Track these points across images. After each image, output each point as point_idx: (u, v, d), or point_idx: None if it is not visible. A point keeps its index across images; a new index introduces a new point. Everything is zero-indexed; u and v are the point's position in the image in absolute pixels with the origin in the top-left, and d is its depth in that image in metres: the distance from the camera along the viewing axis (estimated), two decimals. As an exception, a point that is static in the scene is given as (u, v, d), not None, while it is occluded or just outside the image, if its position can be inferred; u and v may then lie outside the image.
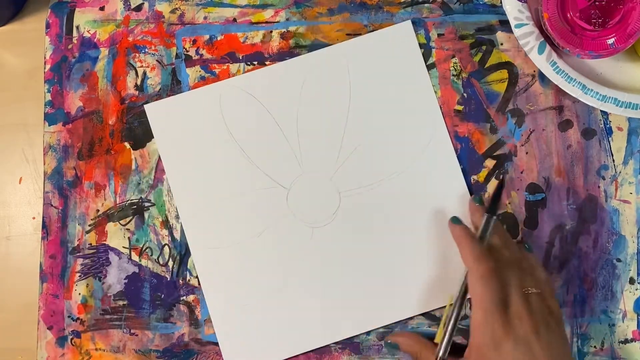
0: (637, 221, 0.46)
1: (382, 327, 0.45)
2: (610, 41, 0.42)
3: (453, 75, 0.47)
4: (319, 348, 0.45)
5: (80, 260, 0.47)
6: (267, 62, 0.48)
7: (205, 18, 0.48)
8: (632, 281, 0.45)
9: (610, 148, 0.46)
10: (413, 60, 0.47)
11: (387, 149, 0.47)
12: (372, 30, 0.48)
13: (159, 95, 0.48)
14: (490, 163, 0.47)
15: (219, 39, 0.48)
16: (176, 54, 0.48)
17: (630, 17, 0.42)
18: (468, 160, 0.47)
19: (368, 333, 0.46)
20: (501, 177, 0.44)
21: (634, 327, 0.45)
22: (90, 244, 0.47)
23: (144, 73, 0.48)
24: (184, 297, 0.46)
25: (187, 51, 0.48)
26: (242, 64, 0.48)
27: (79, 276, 0.47)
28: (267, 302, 0.46)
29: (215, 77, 0.48)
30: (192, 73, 0.48)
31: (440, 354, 0.40)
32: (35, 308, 0.47)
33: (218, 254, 0.46)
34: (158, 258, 0.47)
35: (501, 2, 0.46)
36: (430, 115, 0.47)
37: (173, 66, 0.48)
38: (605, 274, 0.46)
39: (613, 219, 0.46)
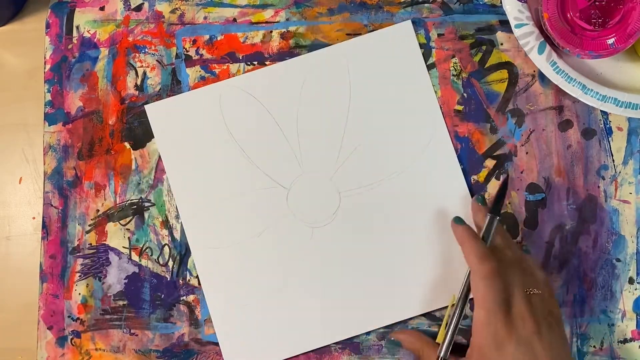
0: (636, 221, 0.46)
1: (382, 327, 0.45)
2: (610, 41, 0.42)
3: (453, 75, 0.47)
4: (319, 348, 0.46)
5: (80, 260, 0.47)
6: (267, 62, 0.48)
7: (205, 18, 0.48)
8: (631, 281, 0.45)
9: (610, 148, 0.46)
10: (413, 60, 0.47)
11: (387, 149, 0.47)
12: (372, 30, 0.48)
13: (159, 95, 0.48)
14: (490, 163, 0.47)
15: (219, 39, 0.48)
16: (176, 54, 0.48)
17: (630, 17, 0.42)
18: (468, 160, 0.47)
19: (368, 333, 0.46)
20: (505, 178, 0.44)
21: (633, 326, 0.45)
22: (90, 244, 0.47)
23: (144, 73, 0.48)
24: (184, 297, 0.46)
25: (187, 51, 0.48)
26: (242, 64, 0.48)
27: (79, 276, 0.47)
28: (267, 302, 0.46)
29: (215, 77, 0.48)
30: (192, 73, 0.48)
31: (442, 354, 0.40)
32: (35, 308, 0.47)
33: (218, 254, 0.46)
34: (158, 258, 0.47)
35: (501, 2, 0.46)
36: (430, 115, 0.47)
37: (173, 66, 0.48)
38: (605, 273, 0.46)
39: (613, 219, 0.46)
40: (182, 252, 0.47)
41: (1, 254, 0.48)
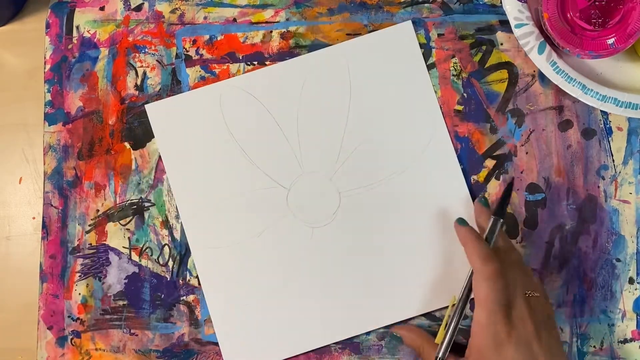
0: (636, 221, 0.46)
1: (382, 327, 0.45)
2: (610, 41, 0.42)
3: (453, 75, 0.47)
4: (319, 348, 0.46)
5: (80, 260, 0.47)
6: (267, 62, 0.48)
7: (205, 18, 0.48)
8: (631, 281, 0.45)
9: (610, 148, 0.46)
10: (413, 60, 0.47)
11: (387, 149, 0.47)
12: (372, 30, 0.48)
13: (159, 95, 0.48)
14: (490, 163, 0.47)
15: (219, 39, 0.48)
16: (176, 54, 0.48)
17: (630, 17, 0.42)
18: (468, 160, 0.47)
19: (368, 333, 0.46)
20: (510, 181, 0.44)
21: (633, 327, 0.45)
22: (90, 244, 0.47)
23: (144, 73, 0.48)
24: (184, 297, 0.46)
25: (187, 51, 0.48)
26: (242, 64, 0.48)
27: (79, 276, 0.47)
28: (267, 302, 0.46)
29: (215, 77, 0.48)
30: (192, 73, 0.48)
31: (440, 354, 0.40)
32: (35, 308, 0.47)
33: (218, 254, 0.46)
34: (158, 258, 0.47)
35: (501, 2, 0.46)
36: (430, 115, 0.47)
37: (173, 66, 0.48)
38: (605, 273, 0.46)
39: (613, 219, 0.46)
40: (182, 252, 0.47)
41: (1, 254, 0.48)
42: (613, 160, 0.46)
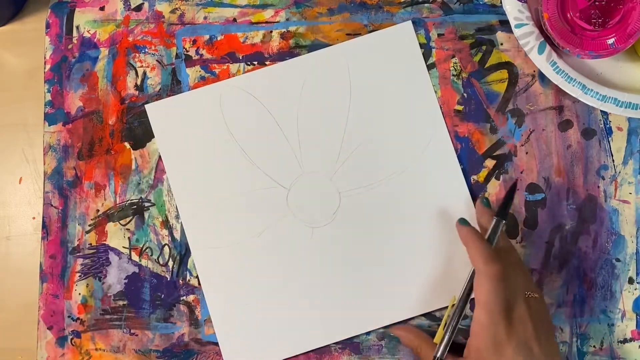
0: (636, 221, 0.46)
1: (382, 327, 0.45)
2: (610, 41, 0.42)
3: (453, 75, 0.47)
4: (319, 348, 0.46)
5: (80, 260, 0.47)
6: (267, 62, 0.48)
7: (205, 18, 0.48)
8: (631, 281, 0.45)
9: (610, 148, 0.46)
10: (413, 60, 0.47)
11: (387, 149, 0.47)
12: (372, 30, 0.48)
13: (159, 95, 0.48)
14: (490, 163, 0.47)
15: (219, 39, 0.48)
16: (176, 54, 0.48)
17: (630, 17, 0.42)
18: (468, 160, 0.47)
19: (368, 333, 0.46)
20: (513, 182, 0.44)
21: (633, 326, 0.45)
22: (90, 244, 0.47)
23: (144, 73, 0.48)
24: (184, 297, 0.46)
25: (187, 51, 0.48)
26: (242, 64, 0.48)
27: (79, 276, 0.47)
28: (267, 302, 0.46)
29: (215, 77, 0.48)
30: (192, 73, 0.48)
31: (439, 354, 0.40)
32: (35, 308, 0.47)
33: (218, 254, 0.46)
34: (158, 258, 0.47)
35: (501, 2, 0.46)
36: (430, 115, 0.47)
37: (173, 66, 0.48)
38: (605, 273, 0.46)
39: (612, 219, 0.46)
40: (182, 252, 0.47)
41: (1, 254, 0.48)
42: (613, 160, 0.46)
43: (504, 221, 0.42)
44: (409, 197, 0.46)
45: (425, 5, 0.48)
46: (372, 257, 0.46)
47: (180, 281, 0.47)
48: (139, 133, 0.48)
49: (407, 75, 0.47)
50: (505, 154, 0.47)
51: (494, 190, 0.46)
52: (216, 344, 0.46)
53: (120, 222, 0.47)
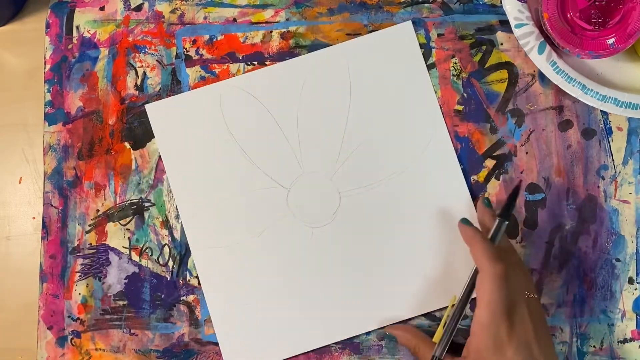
0: (636, 221, 0.46)
1: (382, 327, 0.45)
2: (610, 41, 0.42)
3: (453, 75, 0.47)
4: (319, 348, 0.46)
5: (80, 260, 0.47)
6: (267, 62, 0.48)
7: (205, 18, 0.48)
8: (631, 281, 0.45)
9: (610, 148, 0.46)
10: (413, 60, 0.47)
11: (387, 149, 0.47)
12: (372, 30, 0.48)
13: (159, 95, 0.48)
14: (490, 163, 0.47)
15: (219, 39, 0.48)
16: (176, 54, 0.48)
17: (630, 17, 0.42)
18: (468, 160, 0.47)
19: (368, 333, 0.46)
20: (517, 184, 0.44)
21: (633, 326, 0.45)
22: (90, 244, 0.47)
23: (144, 73, 0.48)
24: (184, 297, 0.46)
25: (187, 51, 0.48)
26: (242, 64, 0.48)
27: (79, 276, 0.47)
28: (267, 302, 0.46)
29: (215, 77, 0.48)
30: (192, 73, 0.48)
31: (437, 353, 0.40)
32: (35, 308, 0.47)
33: (218, 254, 0.46)
34: (158, 258, 0.47)
35: (501, 2, 0.46)
36: (430, 115, 0.47)
37: (173, 66, 0.48)
38: (605, 273, 0.46)
39: (612, 219, 0.46)
40: (182, 252, 0.47)
41: (1, 254, 0.48)
42: (613, 160, 0.46)
43: (506, 222, 0.42)
44: (409, 197, 0.46)
45: (425, 5, 0.48)
46: (372, 257, 0.46)
47: (180, 281, 0.47)
48: (139, 133, 0.48)
49: (407, 75, 0.47)
50: (505, 154, 0.47)
51: (494, 190, 0.46)
52: (216, 344, 0.46)
53: (120, 222, 0.47)
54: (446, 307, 0.44)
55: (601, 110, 0.46)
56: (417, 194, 0.46)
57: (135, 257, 0.47)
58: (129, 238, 0.47)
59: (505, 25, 0.47)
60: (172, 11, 0.49)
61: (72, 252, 0.47)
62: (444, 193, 0.46)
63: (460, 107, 0.47)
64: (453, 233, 0.45)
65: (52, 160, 0.48)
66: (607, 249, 0.46)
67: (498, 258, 0.39)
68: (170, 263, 0.47)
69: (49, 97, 0.48)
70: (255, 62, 0.48)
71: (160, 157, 0.47)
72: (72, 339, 0.47)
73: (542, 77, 0.47)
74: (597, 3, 0.42)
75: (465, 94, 0.47)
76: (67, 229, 0.47)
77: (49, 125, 0.48)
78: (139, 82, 0.48)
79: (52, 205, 0.48)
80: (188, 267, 0.47)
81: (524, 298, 0.39)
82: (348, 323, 0.45)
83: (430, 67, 0.47)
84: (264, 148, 0.47)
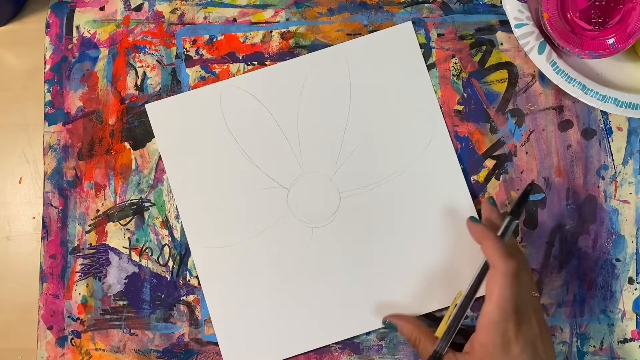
0: (636, 221, 0.46)
1: (382, 327, 0.45)
2: (610, 41, 0.42)
3: (453, 75, 0.47)
4: (319, 348, 0.46)
5: (80, 260, 0.47)
6: (267, 62, 0.48)
7: (205, 18, 0.48)
8: (631, 281, 0.45)
9: (610, 148, 0.46)
10: (413, 60, 0.47)
11: (387, 149, 0.47)
12: (372, 30, 0.48)
13: (159, 95, 0.48)
14: (490, 163, 0.47)
15: (219, 39, 0.48)
16: (176, 54, 0.48)
17: (630, 17, 0.42)
18: (468, 160, 0.47)
19: (368, 333, 0.46)
20: (529, 184, 0.44)
21: (633, 326, 0.45)
22: (90, 244, 0.47)
23: (144, 73, 0.48)
24: (184, 297, 0.46)
25: (187, 51, 0.48)
26: (242, 64, 0.48)
27: (79, 276, 0.47)
28: (267, 302, 0.46)
29: (215, 77, 0.48)
30: (192, 73, 0.48)
31: (439, 348, 0.40)
32: (35, 308, 0.47)
33: (218, 254, 0.46)
34: (158, 258, 0.47)
35: (501, 2, 0.46)
36: (430, 115, 0.47)
37: (173, 66, 0.48)
38: (605, 273, 0.46)
39: (612, 219, 0.46)
40: (182, 252, 0.47)
41: (1, 254, 0.48)
42: (613, 160, 0.46)
43: (516, 220, 0.42)
44: (409, 197, 0.46)
45: (425, 5, 0.48)
46: (372, 257, 0.46)
47: (180, 281, 0.47)
48: (139, 133, 0.48)
49: (407, 75, 0.47)
50: (505, 154, 0.47)
51: (494, 190, 0.46)
52: (216, 344, 0.46)
53: (120, 222, 0.47)
54: (446, 307, 0.44)
55: (601, 110, 0.46)
56: (417, 194, 0.46)
57: (135, 257, 0.47)
58: (129, 238, 0.47)
59: (505, 25, 0.47)
60: (172, 11, 0.49)
61: (72, 252, 0.47)
62: (444, 193, 0.46)
63: (460, 107, 0.47)
64: (453, 233, 0.45)
65: (52, 160, 0.48)
66: (607, 249, 0.46)
67: (511, 255, 0.39)
68: (170, 263, 0.47)
69: (49, 97, 0.48)
70: (255, 62, 0.48)
71: (160, 157, 0.47)
72: (72, 339, 0.47)
73: (542, 77, 0.47)
74: (597, 3, 0.42)
75: (465, 94, 0.47)
76: (67, 229, 0.47)
77: (49, 125, 0.48)
78: (139, 82, 0.48)
79: (52, 205, 0.48)
80: (188, 267, 0.47)
81: (530, 297, 0.39)
82: (348, 323, 0.45)
83: (430, 67, 0.47)
84: (264, 148, 0.47)
